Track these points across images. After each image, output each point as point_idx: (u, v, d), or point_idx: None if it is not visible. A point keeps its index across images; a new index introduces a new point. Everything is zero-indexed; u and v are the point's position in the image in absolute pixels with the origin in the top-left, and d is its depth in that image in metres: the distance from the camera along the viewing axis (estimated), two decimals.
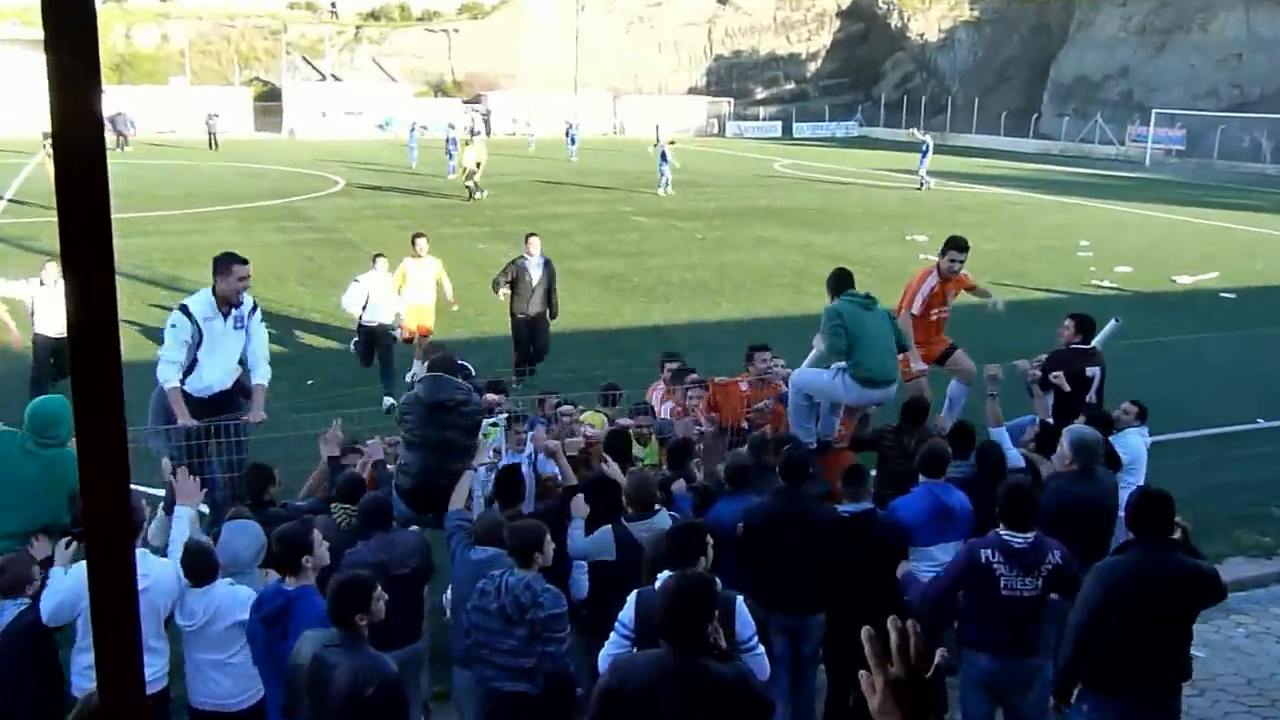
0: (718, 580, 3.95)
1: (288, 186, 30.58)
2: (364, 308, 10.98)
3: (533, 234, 11.66)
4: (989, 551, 4.74)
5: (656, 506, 5.20)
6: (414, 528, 5.39)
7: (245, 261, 6.37)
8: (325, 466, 6.09)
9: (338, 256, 19.59)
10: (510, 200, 28.59)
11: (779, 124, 64.24)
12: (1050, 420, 6.94)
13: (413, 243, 11.97)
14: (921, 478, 5.54)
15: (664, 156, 30.90)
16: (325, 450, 5.96)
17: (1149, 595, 4.32)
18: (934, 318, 8.26)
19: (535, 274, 11.33)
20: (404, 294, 11.47)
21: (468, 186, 28.10)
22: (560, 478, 5.96)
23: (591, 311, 15.68)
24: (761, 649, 4.13)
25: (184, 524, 4.81)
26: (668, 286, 17.63)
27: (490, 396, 6.98)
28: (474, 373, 7.70)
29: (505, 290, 11.40)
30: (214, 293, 6.31)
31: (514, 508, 5.39)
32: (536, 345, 11.34)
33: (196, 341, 6.23)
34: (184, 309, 6.27)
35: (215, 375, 6.35)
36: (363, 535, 5.05)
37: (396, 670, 3.91)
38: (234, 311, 6.33)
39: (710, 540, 4.34)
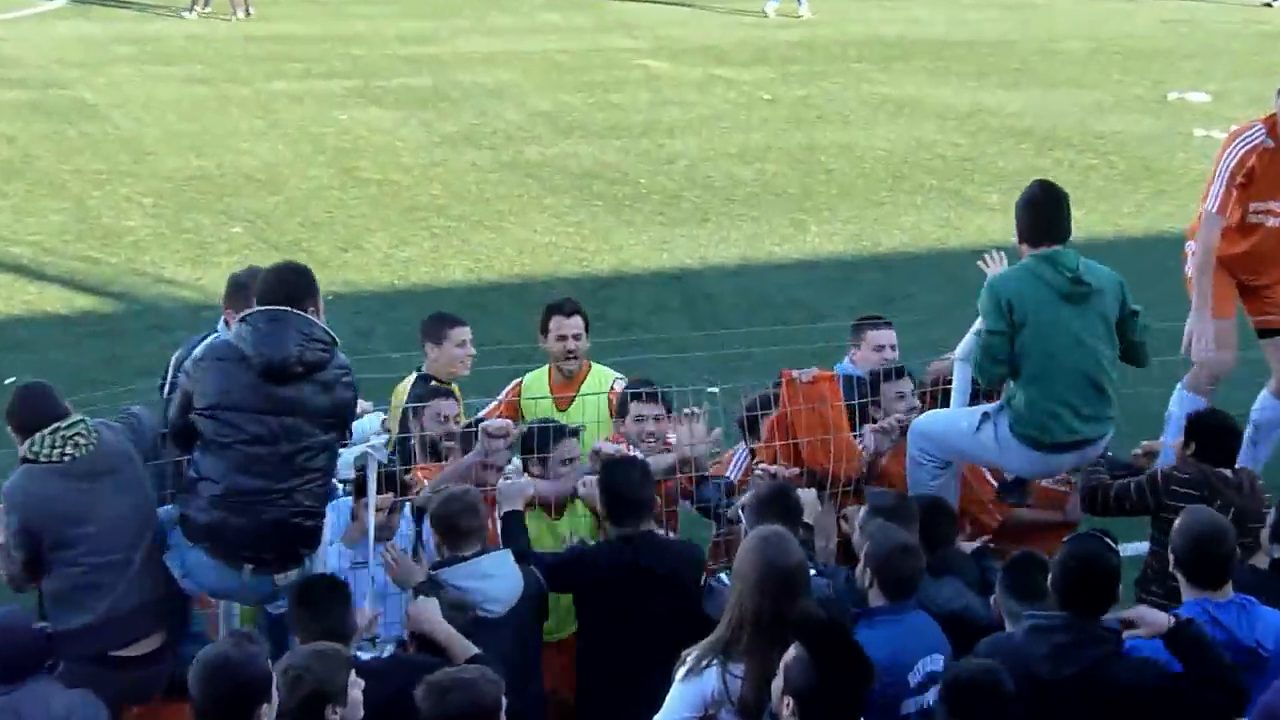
0: None
1: None
2: None
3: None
4: None
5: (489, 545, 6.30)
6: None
7: None
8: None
9: (64, 139, 19.62)
10: (401, 28, 28.51)
11: None
12: None
13: (542, 328, 8.73)
14: (1185, 587, 5.94)
15: None
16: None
17: None
18: (1257, 218, 8.59)
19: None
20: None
21: None
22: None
23: (556, 242, 15.85)
24: None
25: None
26: (706, 194, 17.72)
27: (444, 405, 7.73)
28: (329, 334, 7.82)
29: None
30: None
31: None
32: None
33: None
34: None
35: None
36: None
37: None
38: None
39: None
